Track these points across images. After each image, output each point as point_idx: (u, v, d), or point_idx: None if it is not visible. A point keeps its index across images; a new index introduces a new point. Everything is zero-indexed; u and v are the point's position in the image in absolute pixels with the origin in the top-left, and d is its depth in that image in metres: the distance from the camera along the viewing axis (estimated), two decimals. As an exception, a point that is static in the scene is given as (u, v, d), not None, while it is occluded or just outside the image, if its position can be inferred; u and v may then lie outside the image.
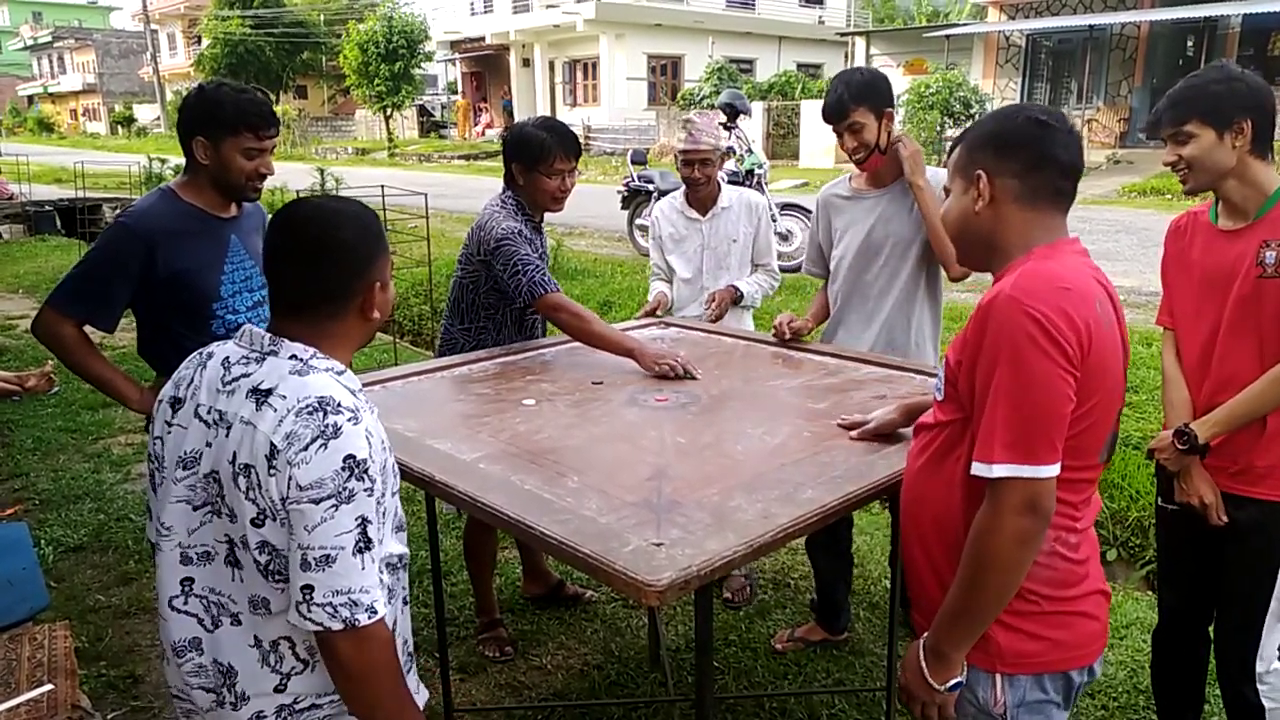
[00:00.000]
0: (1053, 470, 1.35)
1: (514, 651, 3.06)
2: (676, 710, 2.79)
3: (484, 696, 2.86)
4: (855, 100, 2.70)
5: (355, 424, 1.31)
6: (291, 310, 1.43)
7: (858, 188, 2.94)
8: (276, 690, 1.41)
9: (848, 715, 2.73)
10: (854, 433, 2.04)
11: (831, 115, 2.76)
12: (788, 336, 2.92)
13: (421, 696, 1.56)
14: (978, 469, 1.38)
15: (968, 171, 1.51)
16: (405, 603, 1.59)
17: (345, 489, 1.28)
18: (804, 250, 10.30)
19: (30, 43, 57.31)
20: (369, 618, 1.30)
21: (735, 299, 3.33)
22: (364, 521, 1.30)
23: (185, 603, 1.42)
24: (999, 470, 1.35)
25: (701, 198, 3.37)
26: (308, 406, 1.30)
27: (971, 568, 1.41)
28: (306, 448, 1.28)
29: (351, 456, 1.29)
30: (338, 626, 1.29)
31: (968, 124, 16.12)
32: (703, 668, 1.83)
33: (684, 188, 3.42)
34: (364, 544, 1.30)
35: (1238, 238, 2.08)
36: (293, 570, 1.30)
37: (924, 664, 1.48)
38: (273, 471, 1.28)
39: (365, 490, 1.30)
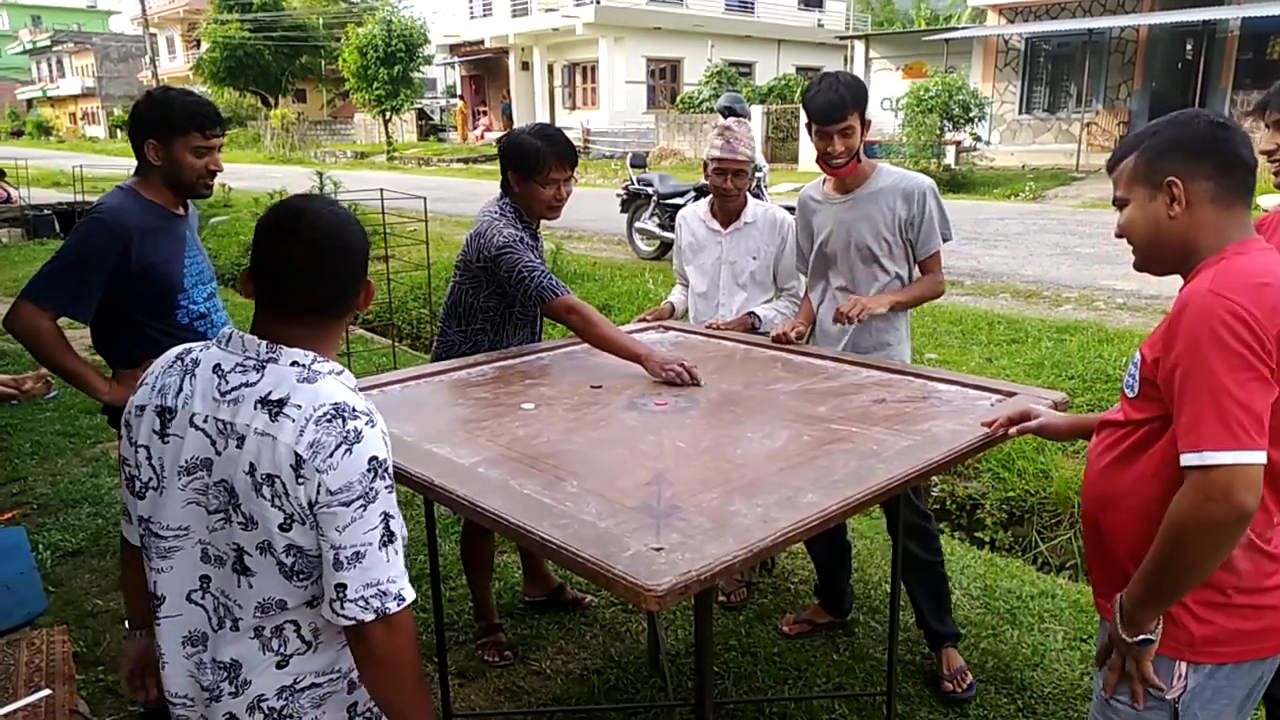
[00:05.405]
0: (1258, 456, 1.38)
1: (513, 656, 3.05)
2: (676, 715, 2.79)
3: (483, 701, 2.85)
4: (853, 103, 2.67)
5: (373, 426, 1.38)
6: (297, 315, 1.43)
7: (828, 193, 2.94)
8: (279, 667, 1.43)
9: (848, 720, 2.73)
10: (1014, 429, 2.01)
11: (829, 117, 2.67)
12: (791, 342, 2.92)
13: None
14: (1187, 459, 1.40)
15: (1153, 179, 1.55)
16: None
17: (371, 489, 1.36)
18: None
19: (29, 46, 57.37)
20: (398, 605, 1.37)
21: (751, 327, 3.22)
22: (387, 516, 1.38)
23: (203, 597, 1.45)
24: (1211, 458, 1.38)
25: (729, 210, 3.27)
26: (325, 414, 1.35)
27: (1162, 545, 1.45)
28: (332, 454, 1.33)
29: (375, 458, 1.36)
30: (370, 617, 1.35)
31: (967, 127, 16.22)
32: (702, 672, 1.83)
33: (708, 196, 3.35)
34: (388, 537, 1.38)
35: None
36: (325, 570, 1.36)
37: (1118, 616, 1.55)
38: (301, 480, 1.33)
39: (386, 488, 1.38)
